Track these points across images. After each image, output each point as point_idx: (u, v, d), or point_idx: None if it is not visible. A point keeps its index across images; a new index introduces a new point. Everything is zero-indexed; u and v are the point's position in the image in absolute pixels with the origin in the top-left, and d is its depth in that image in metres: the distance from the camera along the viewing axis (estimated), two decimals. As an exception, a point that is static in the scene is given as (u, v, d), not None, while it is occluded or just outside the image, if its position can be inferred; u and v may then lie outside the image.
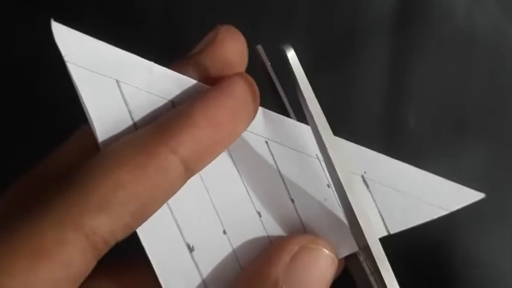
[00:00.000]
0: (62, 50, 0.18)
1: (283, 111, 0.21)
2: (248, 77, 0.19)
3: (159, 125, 0.17)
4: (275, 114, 0.20)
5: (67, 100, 0.18)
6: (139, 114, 0.19)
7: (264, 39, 0.21)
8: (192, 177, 0.18)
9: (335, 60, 0.32)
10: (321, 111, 0.19)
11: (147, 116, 0.19)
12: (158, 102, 0.19)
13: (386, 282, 0.18)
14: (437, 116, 0.32)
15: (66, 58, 0.18)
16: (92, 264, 0.16)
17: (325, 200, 0.20)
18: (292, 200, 0.20)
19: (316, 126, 0.19)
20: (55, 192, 0.16)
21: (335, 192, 0.20)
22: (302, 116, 0.20)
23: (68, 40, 0.18)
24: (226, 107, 0.18)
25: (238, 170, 0.20)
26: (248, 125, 0.19)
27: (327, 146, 0.19)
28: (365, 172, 0.20)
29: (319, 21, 0.32)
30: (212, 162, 0.18)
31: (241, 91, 0.18)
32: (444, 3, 0.32)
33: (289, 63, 0.19)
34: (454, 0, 0.32)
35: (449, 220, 0.31)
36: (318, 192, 0.20)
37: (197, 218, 0.19)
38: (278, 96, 0.22)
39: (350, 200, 0.18)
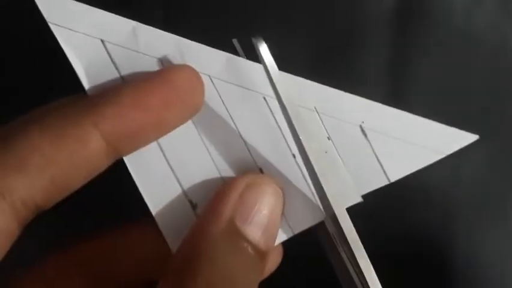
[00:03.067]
0: (44, 11, 0.18)
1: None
2: (192, 69, 0.19)
3: (88, 99, 0.18)
4: (282, 72, 0.20)
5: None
6: (126, 69, 0.19)
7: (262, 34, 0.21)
8: (192, 134, 0.19)
9: (334, 60, 0.32)
10: (295, 106, 0.19)
11: (133, 70, 0.19)
12: (143, 59, 0.19)
13: (360, 262, 0.18)
14: (437, 115, 0.32)
15: (48, 19, 0.18)
16: (15, 227, 0.17)
17: (326, 152, 0.20)
18: (294, 156, 0.20)
19: (292, 122, 0.19)
20: None
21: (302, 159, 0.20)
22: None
23: (49, 2, 0.18)
24: (158, 93, 0.18)
25: (236, 127, 0.20)
26: (186, 118, 0.19)
27: (291, 117, 0.19)
28: (363, 122, 0.20)
29: (319, 20, 0.32)
30: (211, 118, 0.19)
31: (181, 81, 0.18)
32: (444, 3, 0.32)
33: (261, 56, 0.19)
34: (454, 0, 0.32)
35: (448, 219, 0.31)
36: (319, 146, 0.20)
37: (198, 175, 0.19)
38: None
39: (316, 170, 0.19)
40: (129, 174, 0.19)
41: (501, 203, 0.31)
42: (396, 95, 0.31)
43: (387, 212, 0.30)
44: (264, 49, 0.19)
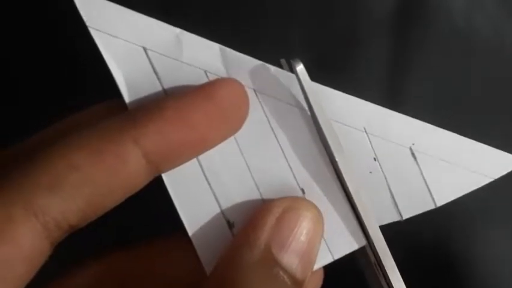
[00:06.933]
0: (84, 15, 0.17)
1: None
2: (238, 83, 0.18)
3: (129, 113, 0.17)
4: (320, 86, 0.19)
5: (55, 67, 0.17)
6: (168, 80, 0.18)
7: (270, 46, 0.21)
8: (233, 151, 0.18)
9: (334, 61, 0.32)
10: (332, 128, 0.18)
11: (176, 81, 0.18)
12: (187, 69, 0.18)
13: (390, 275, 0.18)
14: (437, 116, 0.32)
15: (88, 23, 0.17)
16: (47, 248, 0.16)
17: (370, 173, 0.19)
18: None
19: (328, 144, 0.18)
20: (11, 169, 0.15)
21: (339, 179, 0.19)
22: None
23: (90, 5, 0.17)
24: (202, 109, 0.17)
25: (280, 144, 0.19)
26: (229, 135, 0.18)
27: (333, 151, 0.18)
28: (413, 144, 0.19)
29: (319, 21, 0.32)
30: (253, 134, 0.18)
31: (225, 97, 0.17)
32: (444, 3, 0.32)
33: (299, 78, 0.18)
34: (453, 0, 0.32)
35: (449, 218, 0.31)
36: (364, 166, 0.19)
37: (237, 194, 0.19)
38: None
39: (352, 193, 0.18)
40: (164, 188, 0.18)
41: (502, 201, 0.31)
42: (396, 95, 0.31)
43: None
44: (302, 72, 0.18)
